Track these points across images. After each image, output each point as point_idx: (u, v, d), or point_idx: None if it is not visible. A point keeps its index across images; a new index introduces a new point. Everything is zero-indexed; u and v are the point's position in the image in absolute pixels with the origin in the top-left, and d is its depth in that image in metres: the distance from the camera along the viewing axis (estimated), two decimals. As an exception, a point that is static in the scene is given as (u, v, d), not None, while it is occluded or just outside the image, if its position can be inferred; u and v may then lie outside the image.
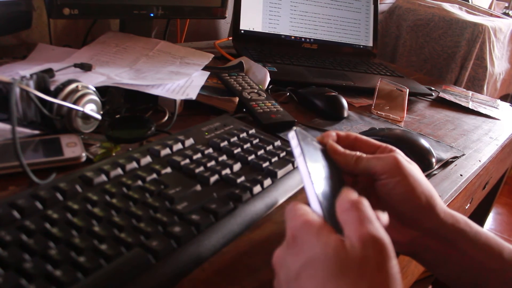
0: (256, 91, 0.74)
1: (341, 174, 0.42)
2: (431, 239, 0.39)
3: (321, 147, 0.42)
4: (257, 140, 0.55)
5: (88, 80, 0.61)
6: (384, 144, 0.43)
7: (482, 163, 0.73)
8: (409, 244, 0.40)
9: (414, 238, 0.39)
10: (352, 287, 0.28)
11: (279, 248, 0.33)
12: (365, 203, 0.32)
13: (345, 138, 0.43)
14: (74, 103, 0.52)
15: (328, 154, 0.41)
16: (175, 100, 0.65)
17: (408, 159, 0.42)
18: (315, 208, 0.33)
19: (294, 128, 0.38)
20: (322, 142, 0.42)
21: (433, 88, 1.10)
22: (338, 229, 0.31)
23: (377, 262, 0.29)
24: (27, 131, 0.52)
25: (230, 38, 1.12)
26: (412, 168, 0.40)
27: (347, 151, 0.41)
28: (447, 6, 1.61)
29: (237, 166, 0.48)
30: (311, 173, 0.34)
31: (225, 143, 0.53)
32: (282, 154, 0.53)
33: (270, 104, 0.71)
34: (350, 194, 0.32)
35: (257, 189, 0.45)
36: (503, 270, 0.38)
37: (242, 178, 0.46)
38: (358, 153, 0.41)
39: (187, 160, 0.48)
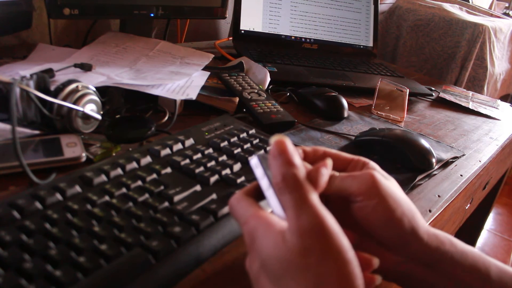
0: (256, 91, 0.74)
1: None
2: (416, 265, 0.36)
3: None
4: (257, 140, 0.55)
5: (88, 80, 0.61)
6: (356, 157, 0.39)
7: (482, 163, 0.73)
8: (392, 271, 0.37)
9: (397, 264, 0.36)
10: (299, 284, 0.27)
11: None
12: (297, 173, 0.30)
13: (313, 154, 0.39)
14: (74, 103, 0.52)
15: None
16: (175, 100, 0.65)
17: (385, 173, 0.38)
18: None
19: (256, 153, 0.36)
20: None
21: (433, 88, 1.10)
22: None
23: (320, 251, 0.27)
24: (27, 131, 0.52)
25: (230, 38, 1.12)
26: (391, 186, 0.36)
27: None
28: (447, 6, 1.61)
29: (237, 166, 0.48)
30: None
31: (225, 143, 0.53)
32: (282, 154, 0.53)
33: (270, 104, 0.71)
34: (282, 160, 0.30)
35: (257, 189, 0.45)
36: None
37: (242, 178, 0.46)
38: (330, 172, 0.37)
39: (187, 160, 0.48)
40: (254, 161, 0.34)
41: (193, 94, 0.64)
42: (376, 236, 0.36)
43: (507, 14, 2.07)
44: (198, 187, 0.44)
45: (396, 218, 0.35)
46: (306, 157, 0.39)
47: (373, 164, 0.39)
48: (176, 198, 0.41)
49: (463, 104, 1.03)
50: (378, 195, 0.35)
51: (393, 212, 0.35)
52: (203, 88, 0.69)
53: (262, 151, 0.52)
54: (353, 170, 0.39)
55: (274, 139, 0.32)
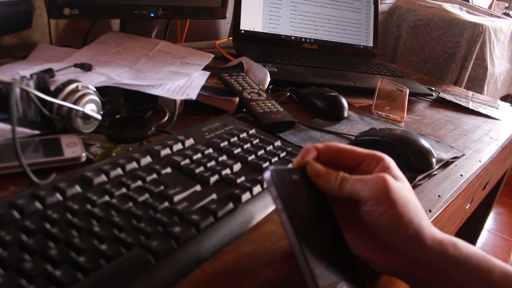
0: (256, 91, 0.74)
1: (325, 197, 0.39)
2: (417, 267, 0.36)
3: (300, 172, 0.38)
4: (257, 140, 0.55)
5: (88, 80, 0.61)
6: (371, 153, 0.39)
7: (483, 163, 0.73)
8: (393, 269, 0.38)
9: (399, 264, 0.37)
10: None
11: None
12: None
13: (326, 151, 0.39)
14: (74, 103, 0.52)
15: (309, 177, 0.38)
16: (175, 100, 0.64)
17: (398, 172, 0.38)
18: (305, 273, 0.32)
19: (269, 168, 0.34)
20: (302, 163, 0.39)
21: (433, 88, 1.10)
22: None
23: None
24: (27, 131, 0.52)
25: (231, 38, 1.12)
26: (402, 190, 0.36)
27: (330, 172, 0.37)
28: (447, 6, 1.61)
29: (237, 166, 0.48)
30: (297, 232, 0.32)
31: (225, 143, 0.53)
32: (282, 154, 0.53)
33: (270, 104, 0.71)
34: None
35: (257, 189, 0.45)
36: None
37: (242, 178, 0.46)
38: (341, 174, 0.37)
39: (187, 160, 0.48)
40: (267, 177, 0.34)
41: (193, 94, 0.64)
42: (380, 237, 0.36)
43: (507, 14, 2.07)
44: (198, 187, 0.44)
45: (402, 225, 0.35)
46: (320, 155, 0.39)
47: (388, 160, 0.38)
48: (176, 198, 0.41)
49: (463, 104, 1.03)
50: (388, 201, 0.35)
51: (401, 219, 0.35)
52: (203, 88, 0.69)
53: (275, 158, 0.52)
54: (368, 167, 0.39)
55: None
